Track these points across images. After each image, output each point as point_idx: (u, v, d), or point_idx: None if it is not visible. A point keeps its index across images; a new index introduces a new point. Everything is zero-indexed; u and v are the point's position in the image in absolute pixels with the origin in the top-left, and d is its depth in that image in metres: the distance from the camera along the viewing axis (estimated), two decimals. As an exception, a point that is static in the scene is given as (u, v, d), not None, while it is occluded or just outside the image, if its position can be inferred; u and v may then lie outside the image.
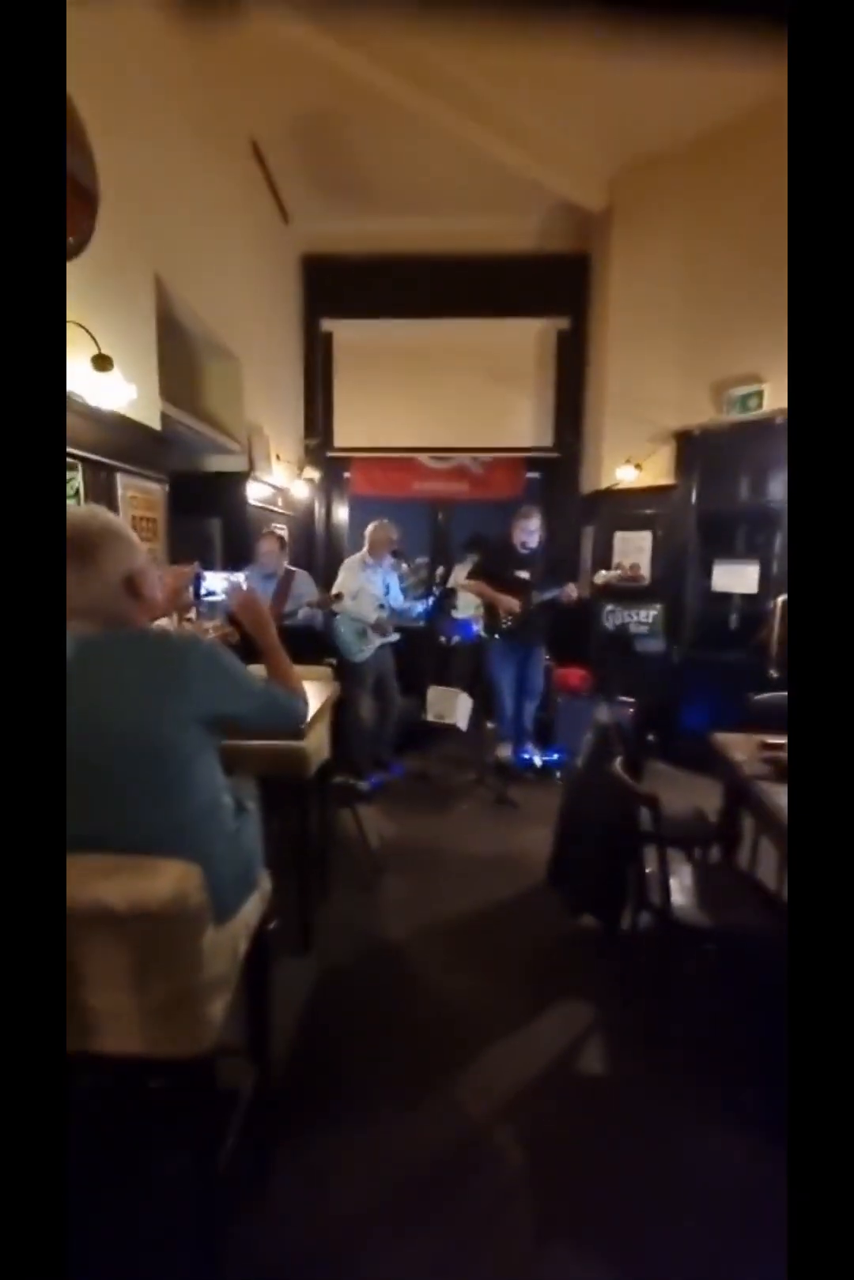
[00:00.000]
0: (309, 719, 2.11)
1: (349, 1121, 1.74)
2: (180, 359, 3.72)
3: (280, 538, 3.69)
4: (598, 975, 2.34)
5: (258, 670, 1.58)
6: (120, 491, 2.64)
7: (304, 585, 3.73)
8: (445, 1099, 1.82)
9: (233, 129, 3.97)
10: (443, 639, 4.88)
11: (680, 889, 2.05)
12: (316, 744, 2.46)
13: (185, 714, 1.21)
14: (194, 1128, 1.25)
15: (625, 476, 4.69)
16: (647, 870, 2.10)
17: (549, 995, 2.25)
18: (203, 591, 2.18)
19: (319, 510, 5.81)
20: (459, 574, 5.15)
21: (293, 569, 3.81)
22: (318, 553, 5.80)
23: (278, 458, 4.78)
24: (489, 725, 4.90)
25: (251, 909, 1.38)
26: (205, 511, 4.05)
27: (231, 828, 1.33)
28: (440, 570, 5.42)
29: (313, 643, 3.25)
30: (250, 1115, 1.51)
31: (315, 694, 2.35)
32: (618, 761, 2.11)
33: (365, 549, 4.15)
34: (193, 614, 3.34)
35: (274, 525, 4.54)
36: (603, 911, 2.45)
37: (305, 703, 1.52)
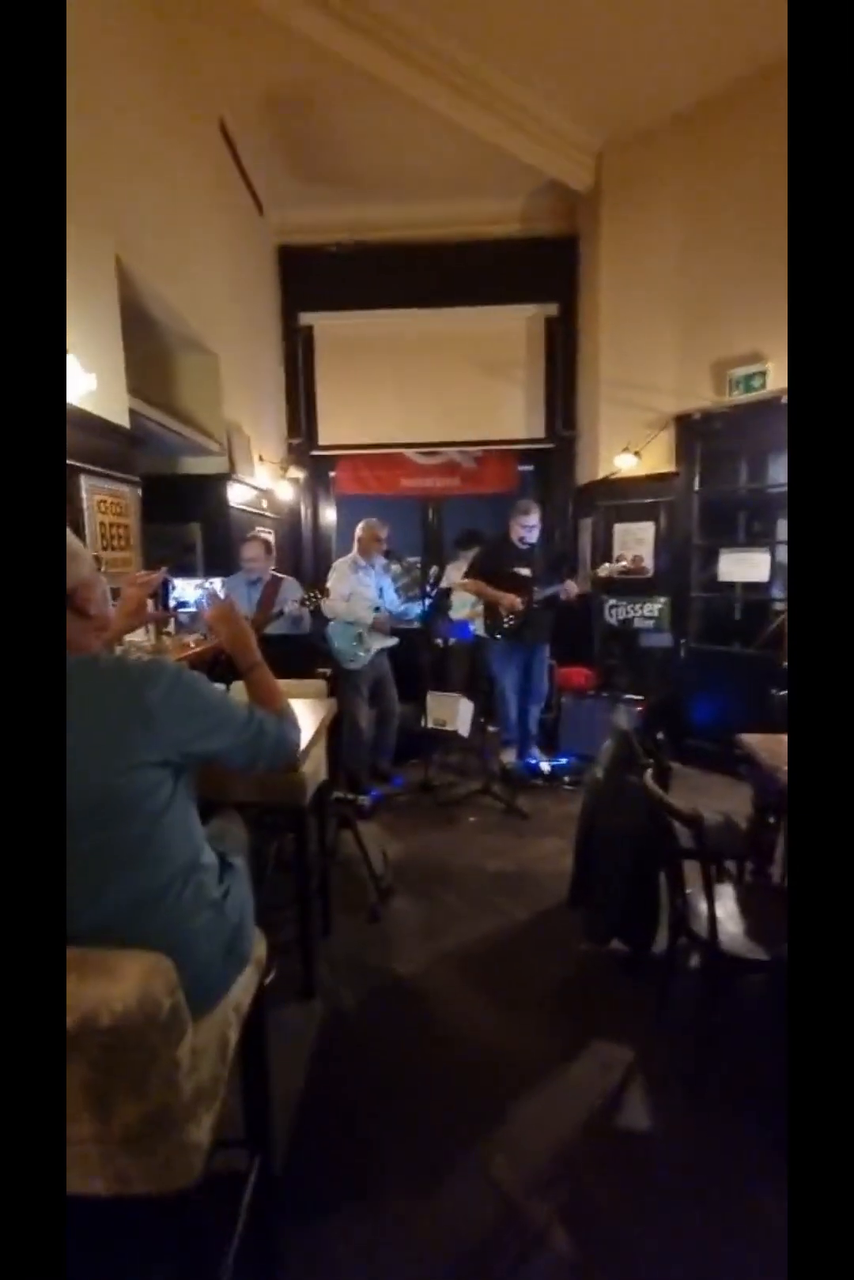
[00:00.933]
0: (304, 745, 1.90)
1: (364, 1206, 1.51)
2: (153, 355, 3.48)
3: (265, 542, 3.46)
4: (632, 1010, 2.13)
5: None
6: (85, 496, 2.39)
7: (291, 592, 3.49)
8: (472, 1170, 1.60)
9: (203, 113, 3.72)
10: (439, 641, 4.66)
11: (721, 911, 1.84)
12: (314, 767, 2.23)
13: (150, 757, 0.98)
14: (186, 1258, 1.02)
15: (624, 465, 4.50)
16: (686, 891, 1.90)
17: (579, 1034, 2.04)
18: (172, 602, 1.96)
19: (305, 512, 5.57)
20: (452, 573, 4.95)
21: (279, 575, 3.58)
22: (305, 556, 5.56)
23: (260, 458, 4.54)
24: (492, 729, 4.70)
25: (243, 987, 1.15)
26: (184, 515, 3.81)
27: (215, 894, 1.10)
28: (434, 569, 5.21)
29: (303, 650, 3.00)
30: (254, 1209, 1.28)
31: (309, 713, 2.14)
32: (648, 774, 1.91)
33: (355, 550, 3.93)
34: (172, 627, 3.10)
35: (259, 529, 4.30)
36: (633, 936, 2.24)
37: (297, 730, 1.30)
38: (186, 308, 3.33)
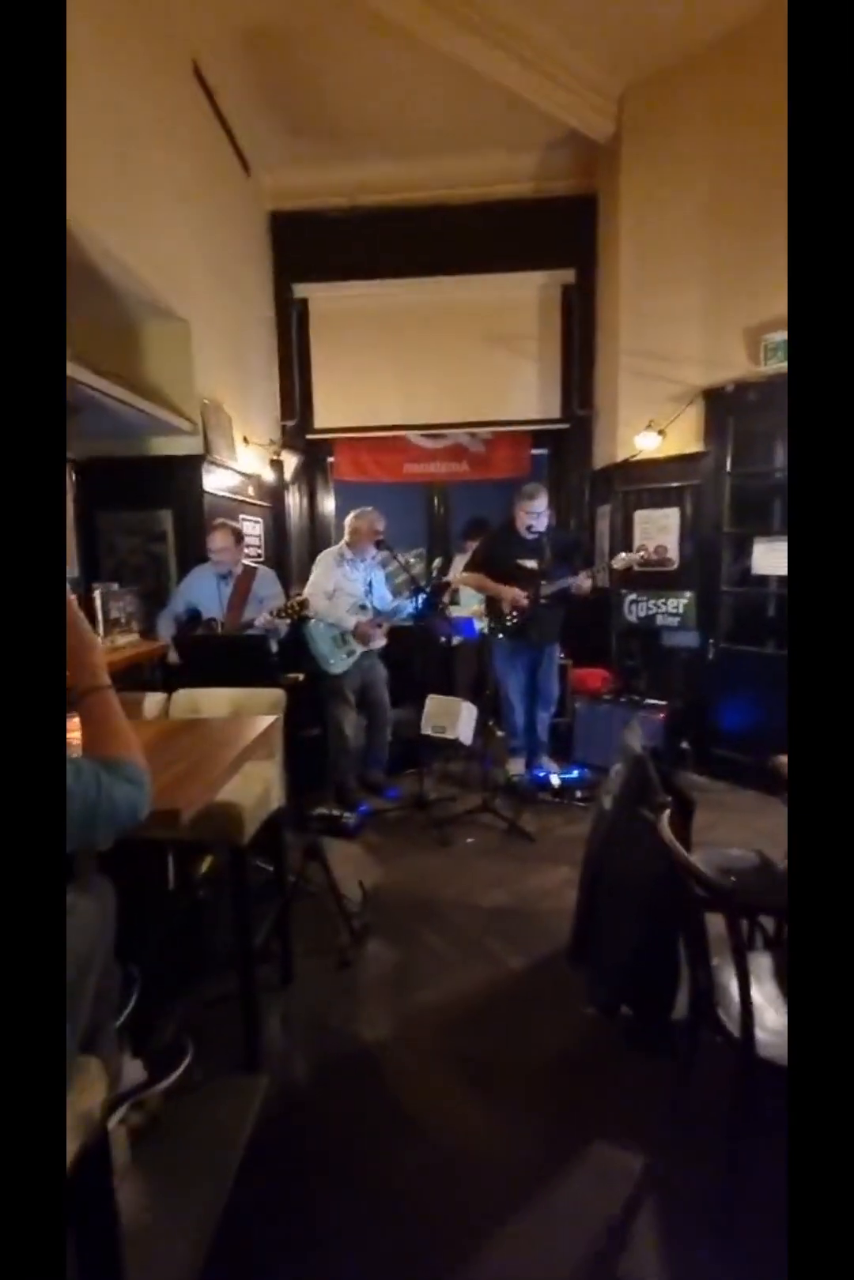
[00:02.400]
0: (257, 748, 1.53)
1: None
2: (105, 319, 3.14)
3: (234, 529, 3.10)
4: (643, 1098, 1.74)
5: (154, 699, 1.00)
6: None
7: (266, 586, 3.13)
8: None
9: (170, 50, 3.36)
10: (442, 640, 4.26)
11: (757, 994, 1.43)
12: (260, 794, 1.87)
13: None
14: None
15: (646, 445, 4.04)
16: (711, 961, 1.49)
17: (577, 1128, 1.66)
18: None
19: (301, 501, 5.22)
20: (460, 565, 4.56)
21: (252, 566, 3.22)
22: (299, 550, 5.20)
23: (245, 441, 4.18)
24: (499, 734, 4.31)
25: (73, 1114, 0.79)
26: (153, 501, 3.47)
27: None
28: (437, 561, 4.82)
29: (264, 652, 2.62)
30: None
31: (249, 731, 1.76)
32: (665, 817, 1.50)
33: (344, 540, 3.56)
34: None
35: (242, 517, 3.96)
36: (645, 1006, 1.84)
37: (140, 788, 0.92)
38: (149, 268, 2.97)
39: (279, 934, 2.17)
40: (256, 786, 1.89)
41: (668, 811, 1.54)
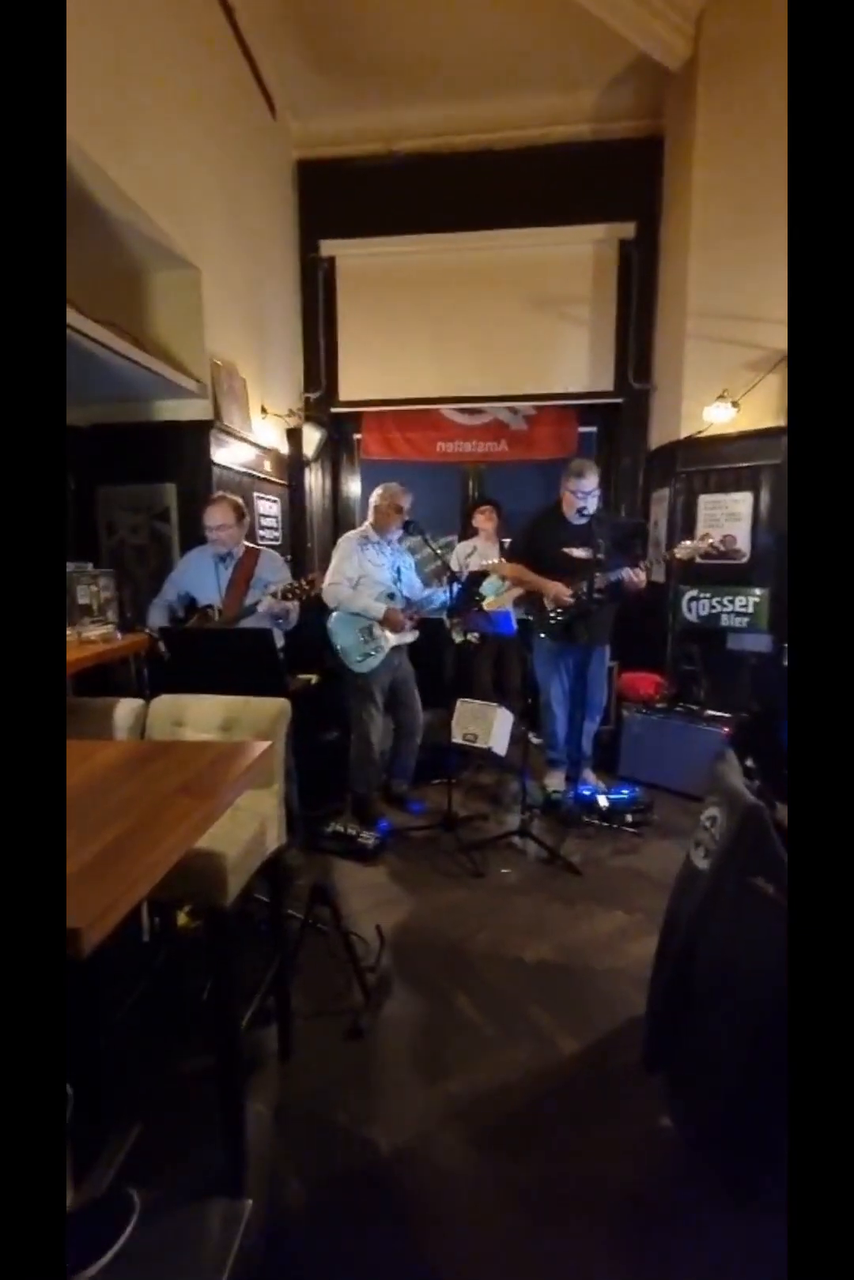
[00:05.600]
0: (234, 798, 1.12)
1: None
2: (101, 259, 2.74)
3: (235, 504, 2.67)
4: (744, 1267, 1.28)
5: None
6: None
7: (271, 570, 2.71)
8: None
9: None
10: (458, 638, 3.78)
11: None
12: (251, 837, 1.45)
13: None
14: None
15: (718, 417, 3.52)
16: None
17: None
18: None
19: (323, 480, 4.79)
20: (462, 551, 4.13)
21: (255, 547, 2.80)
22: (322, 533, 4.79)
23: (263, 411, 3.78)
24: (535, 741, 3.85)
25: None
26: (157, 474, 3.07)
27: None
28: (458, 545, 4.37)
29: (266, 647, 2.18)
30: None
31: (242, 756, 1.34)
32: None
33: (369, 521, 3.13)
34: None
35: (256, 495, 3.55)
36: (752, 1143, 1.38)
37: None
38: (151, 202, 2.56)
39: (277, 994, 1.77)
40: (249, 826, 1.47)
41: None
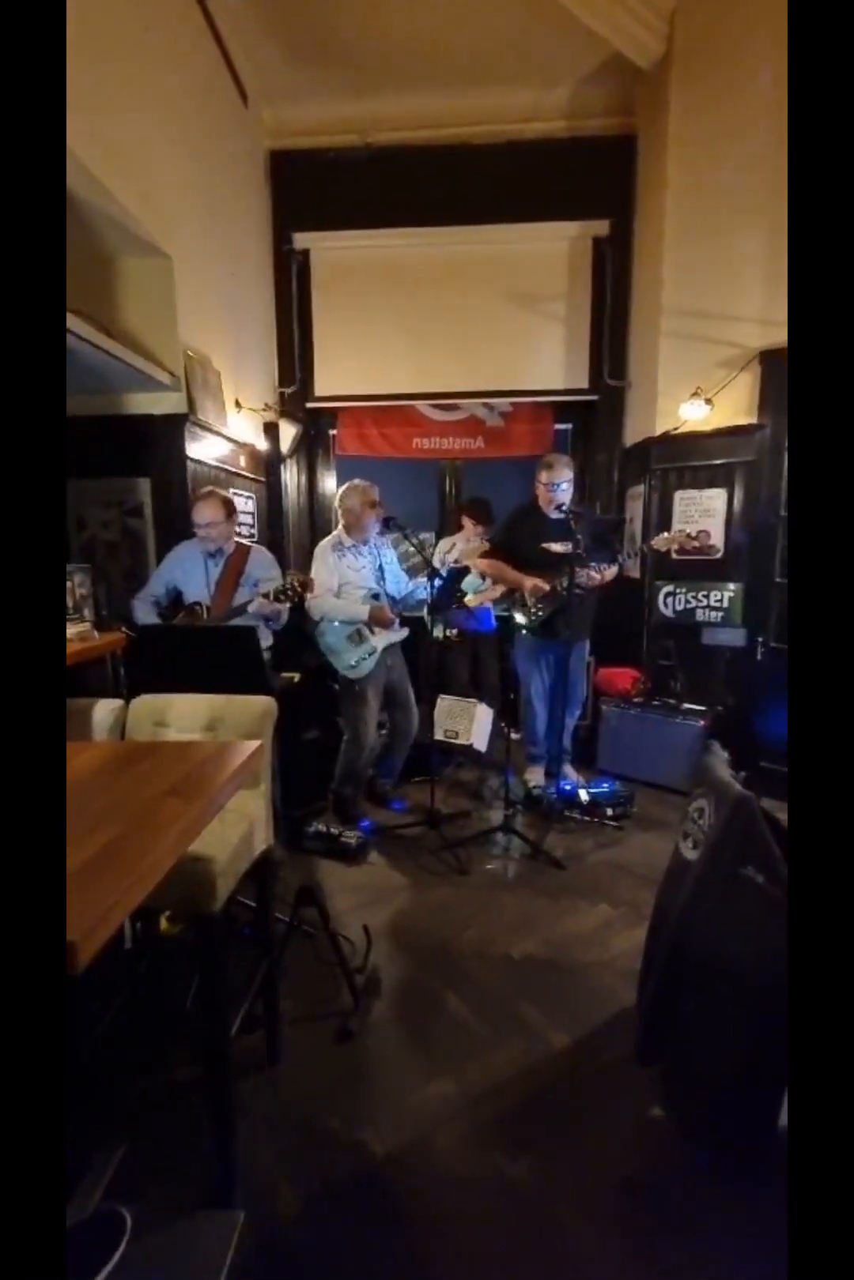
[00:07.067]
0: (225, 800, 1.08)
1: None
2: (71, 245, 2.64)
3: (225, 499, 2.61)
4: (745, 1248, 1.30)
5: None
6: None
7: (262, 567, 2.65)
8: None
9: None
10: (437, 634, 3.77)
11: None
12: (240, 839, 1.42)
13: None
14: None
15: (692, 415, 3.57)
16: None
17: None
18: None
19: (299, 477, 4.73)
20: (444, 547, 4.11)
21: (246, 543, 2.74)
22: (298, 530, 4.73)
23: (237, 405, 3.70)
24: (514, 737, 3.86)
25: None
26: (130, 468, 2.98)
27: None
28: (422, 537, 4.35)
29: (251, 646, 2.12)
30: None
31: (226, 758, 1.30)
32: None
33: (338, 527, 3.07)
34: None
35: (232, 491, 3.48)
36: (743, 1128, 1.40)
37: None
38: (121, 187, 2.47)
39: (265, 999, 1.73)
40: (236, 828, 1.44)
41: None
